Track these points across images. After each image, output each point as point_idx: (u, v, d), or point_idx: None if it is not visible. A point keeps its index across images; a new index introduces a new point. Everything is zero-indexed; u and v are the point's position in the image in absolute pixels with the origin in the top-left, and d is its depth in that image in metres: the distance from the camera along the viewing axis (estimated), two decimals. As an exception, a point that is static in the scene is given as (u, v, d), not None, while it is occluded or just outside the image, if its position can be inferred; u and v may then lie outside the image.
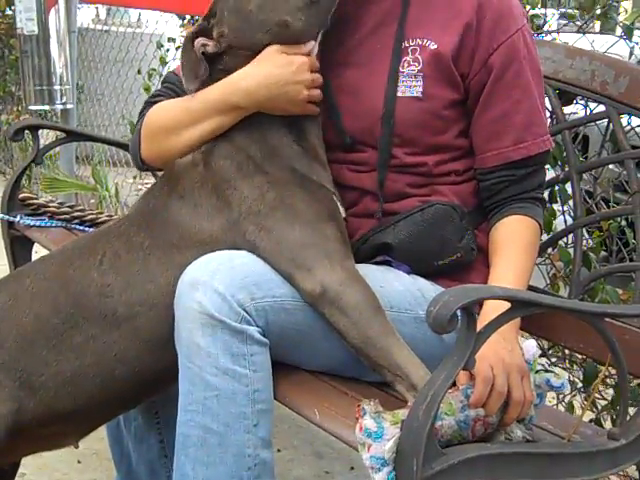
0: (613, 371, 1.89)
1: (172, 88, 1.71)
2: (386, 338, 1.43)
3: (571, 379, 2.17)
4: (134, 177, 4.29)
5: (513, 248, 1.57)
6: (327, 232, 1.51)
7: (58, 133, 2.60)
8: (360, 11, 1.63)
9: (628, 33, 2.09)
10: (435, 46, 1.58)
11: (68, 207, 2.42)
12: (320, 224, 1.51)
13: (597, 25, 2.41)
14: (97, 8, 6.37)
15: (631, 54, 2.08)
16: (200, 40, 1.57)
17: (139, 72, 4.43)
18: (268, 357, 1.48)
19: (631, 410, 1.57)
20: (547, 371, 1.81)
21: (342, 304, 1.44)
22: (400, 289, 1.58)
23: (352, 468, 2.49)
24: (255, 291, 1.45)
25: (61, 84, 3.89)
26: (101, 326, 1.53)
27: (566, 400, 2.17)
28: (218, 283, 1.43)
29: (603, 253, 2.22)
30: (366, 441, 1.26)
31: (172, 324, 1.47)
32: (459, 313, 1.22)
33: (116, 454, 1.94)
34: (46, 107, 3.96)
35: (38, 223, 2.33)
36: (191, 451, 1.45)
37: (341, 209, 1.59)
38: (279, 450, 2.49)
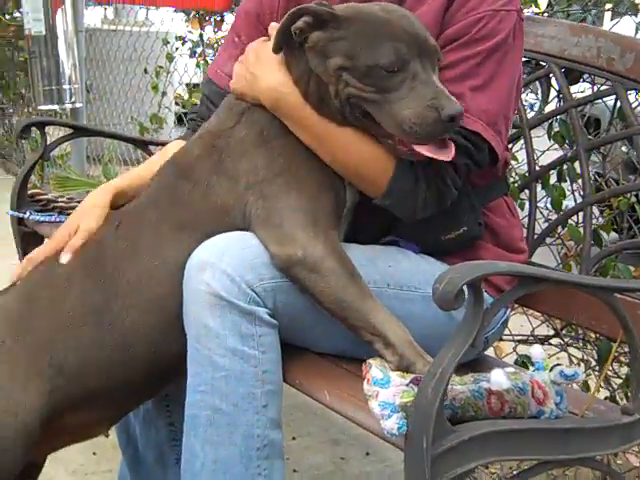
0: (627, 349, 1.88)
1: (208, 102, 1.80)
2: (363, 301, 1.43)
3: (585, 358, 2.16)
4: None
5: None
6: (322, 201, 1.52)
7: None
8: None
9: (632, 8, 2.08)
10: None
11: (77, 202, 2.42)
12: (318, 193, 1.52)
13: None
14: (105, 8, 6.41)
15: (637, 30, 2.06)
16: (307, 20, 1.50)
17: (146, 71, 4.44)
18: (277, 338, 1.48)
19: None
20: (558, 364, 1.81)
21: (319, 270, 1.44)
22: (409, 268, 1.58)
23: (367, 454, 2.49)
24: (264, 272, 1.45)
25: (70, 84, 3.89)
26: (115, 290, 1.53)
27: (580, 382, 2.15)
28: (226, 264, 1.43)
29: (614, 234, 2.20)
30: (374, 389, 1.26)
31: (181, 305, 1.48)
32: (465, 290, 1.21)
33: (122, 438, 1.94)
34: (55, 107, 3.95)
35: (47, 219, 2.32)
36: (200, 431, 1.45)
37: (350, 190, 1.58)
38: (294, 438, 2.49)
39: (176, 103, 4.54)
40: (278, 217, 1.48)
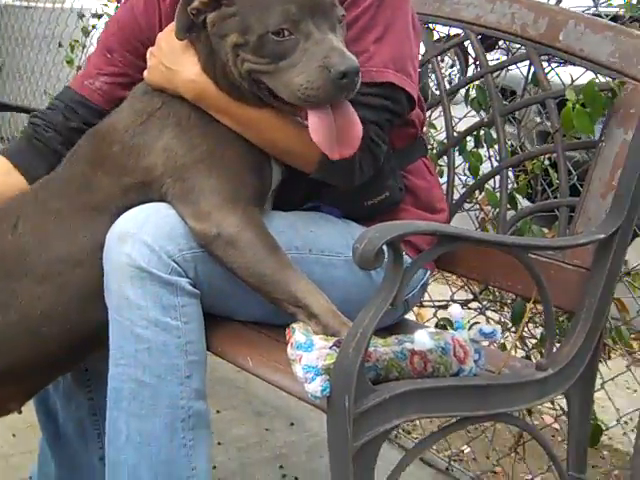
0: (542, 309, 1.94)
1: (62, 107, 1.72)
2: (283, 272, 1.43)
3: (502, 320, 2.21)
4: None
5: None
6: (245, 181, 1.50)
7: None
8: None
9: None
10: None
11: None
12: (241, 174, 1.50)
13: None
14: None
15: (549, -3, 2.10)
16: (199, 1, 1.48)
17: (60, 45, 4.33)
18: (199, 308, 1.47)
19: (558, 345, 1.61)
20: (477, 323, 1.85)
21: (236, 245, 1.43)
22: (331, 233, 1.59)
23: (292, 424, 2.50)
24: (183, 242, 1.44)
25: (-18, 60, 3.79)
26: (22, 284, 1.50)
27: (497, 342, 2.21)
28: (146, 235, 1.42)
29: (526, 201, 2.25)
30: (297, 353, 1.27)
31: (102, 281, 1.45)
32: (385, 249, 1.23)
33: (42, 414, 1.91)
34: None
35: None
36: (124, 405, 1.44)
37: (276, 169, 1.57)
38: (218, 411, 2.49)
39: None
40: (195, 195, 1.47)
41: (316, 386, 1.24)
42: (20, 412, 1.65)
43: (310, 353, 1.27)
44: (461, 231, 1.33)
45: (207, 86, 1.52)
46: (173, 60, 1.55)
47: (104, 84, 1.73)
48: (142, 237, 1.42)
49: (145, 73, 1.62)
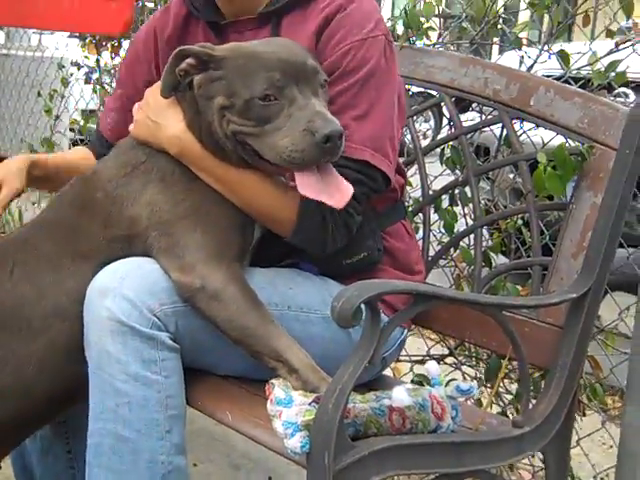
0: (517, 365, 1.97)
1: (95, 140, 1.87)
2: (265, 327, 1.45)
3: (478, 376, 2.24)
4: (33, 203, 4.22)
5: None
6: (228, 238, 1.53)
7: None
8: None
9: (516, 43, 2.20)
10: None
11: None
12: (224, 231, 1.53)
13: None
14: (-4, 32, 6.26)
15: (521, 63, 2.17)
16: (190, 62, 1.53)
17: (39, 94, 4.36)
18: (179, 362, 1.49)
19: (533, 401, 1.64)
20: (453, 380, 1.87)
21: (220, 299, 1.45)
22: (309, 290, 1.62)
23: (269, 478, 2.49)
24: (164, 297, 1.46)
25: (-41, 108, 3.81)
26: (17, 339, 1.51)
27: (473, 398, 2.23)
28: (127, 289, 1.44)
29: (502, 258, 2.30)
30: (277, 409, 1.29)
31: (82, 334, 1.47)
32: (363, 308, 1.26)
33: (18, 467, 1.90)
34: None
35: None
36: (104, 460, 1.44)
37: (257, 226, 1.60)
38: (195, 465, 2.47)
39: (71, 129, 4.48)
40: (180, 250, 1.49)
41: (295, 442, 1.26)
42: None
43: (290, 409, 1.29)
44: (437, 290, 1.37)
45: (191, 143, 1.56)
46: (159, 115, 1.60)
47: (113, 120, 1.83)
48: (123, 291, 1.44)
49: (131, 126, 1.66)
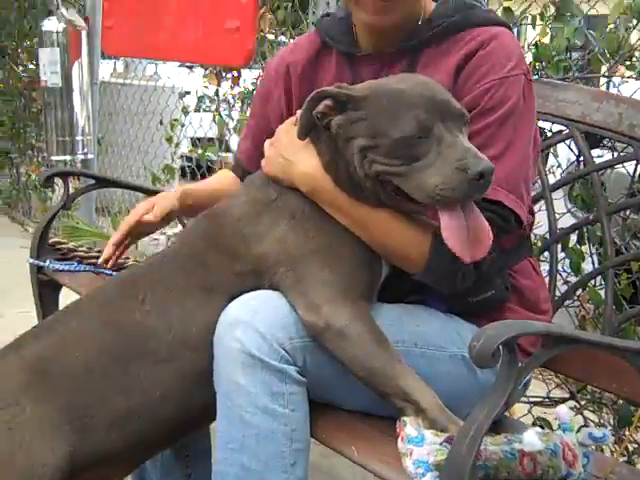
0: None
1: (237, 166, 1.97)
2: (392, 367, 1.43)
3: (601, 422, 2.16)
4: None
5: None
6: (356, 277, 1.52)
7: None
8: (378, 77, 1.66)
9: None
10: None
11: (97, 252, 2.44)
12: (353, 270, 1.52)
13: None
14: (115, 63, 6.51)
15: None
16: (327, 104, 1.51)
17: (161, 122, 4.50)
18: (306, 396, 1.49)
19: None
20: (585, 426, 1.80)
21: (345, 337, 1.44)
22: (436, 327, 1.59)
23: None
24: (294, 331, 1.47)
25: (83, 135, 3.96)
26: (145, 367, 1.53)
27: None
28: (258, 322, 1.44)
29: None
30: (408, 447, 1.27)
31: (211, 364, 1.48)
32: (500, 348, 1.23)
33: None
34: (68, 157, 4.01)
35: (67, 267, 2.34)
36: (229, 490, 1.45)
37: (385, 264, 1.59)
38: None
39: (188, 158, 4.60)
40: (306, 286, 1.49)
41: None
42: (124, 485, 1.68)
43: (421, 448, 1.27)
44: (578, 334, 1.32)
45: (324, 180, 1.56)
46: (292, 152, 1.60)
47: (247, 149, 1.90)
48: (254, 324, 1.44)
49: (262, 162, 1.67)
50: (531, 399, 2.31)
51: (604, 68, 2.30)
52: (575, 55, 2.34)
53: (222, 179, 2.01)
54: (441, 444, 1.26)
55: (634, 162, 1.92)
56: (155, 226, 1.94)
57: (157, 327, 1.55)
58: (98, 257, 2.37)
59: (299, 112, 1.58)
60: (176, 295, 1.57)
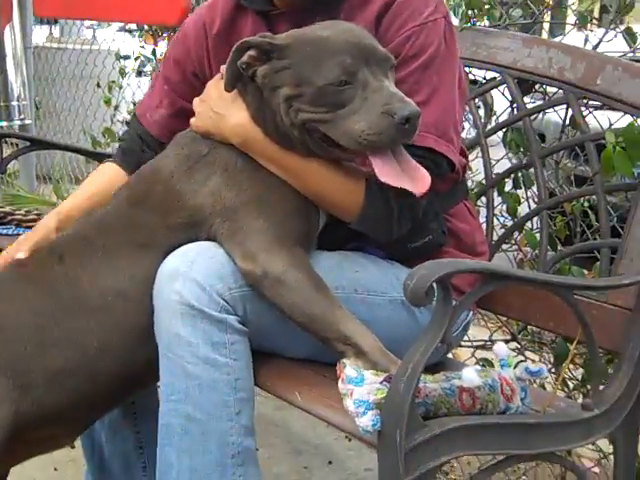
0: (582, 350, 1.94)
1: (135, 135, 1.86)
2: (332, 312, 1.45)
3: (542, 361, 2.22)
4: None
5: None
6: (291, 225, 1.53)
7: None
8: None
9: (582, 21, 2.16)
10: None
11: (35, 215, 2.41)
12: (288, 218, 1.53)
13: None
14: (51, 27, 6.37)
15: (586, 41, 2.13)
16: (251, 54, 1.51)
17: (98, 85, 4.43)
18: (248, 345, 1.50)
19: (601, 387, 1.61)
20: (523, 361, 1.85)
21: (283, 284, 1.45)
22: (375, 273, 1.61)
23: (330, 462, 2.51)
24: (232, 281, 1.47)
25: (18, 100, 3.87)
26: (76, 317, 1.52)
27: (537, 382, 2.21)
28: (196, 273, 1.45)
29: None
30: (348, 388, 1.29)
31: (152, 318, 1.49)
32: (435, 286, 1.25)
33: (87, 447, 1.93)
34: (3, 123, 3.92)
35: (5, 231, 2.32)
36: (175, 440, 1.46)
37: (322, 213, 1.60)
38: (257, 449, 2.49)
39: (128, 123, 4.55)
40: (242, 235, 1.49)
41: (367, 420, 1.26)
42: (73, 447, 1.67)
43: (361, 387, 1.29)
44: (510, 270, 1.36)
45: (255, 132, 1.56)
46: (222, 106, 1.59)
47: (161, 117, 1.82)
48: (192, 275, 1.45)
49: (192, 120, 1.66)
50: (474, 343, 2.36)
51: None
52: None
53: (99, 181, 1.87)
54: (381, 383, 1.29)
55: (566, 108, 1.95)
56: None
57: (81, 278, 1.54)
58: (37, 220, 2.36)
59: (224, 66, 1.57)
60: (102, 255, 1.56)
